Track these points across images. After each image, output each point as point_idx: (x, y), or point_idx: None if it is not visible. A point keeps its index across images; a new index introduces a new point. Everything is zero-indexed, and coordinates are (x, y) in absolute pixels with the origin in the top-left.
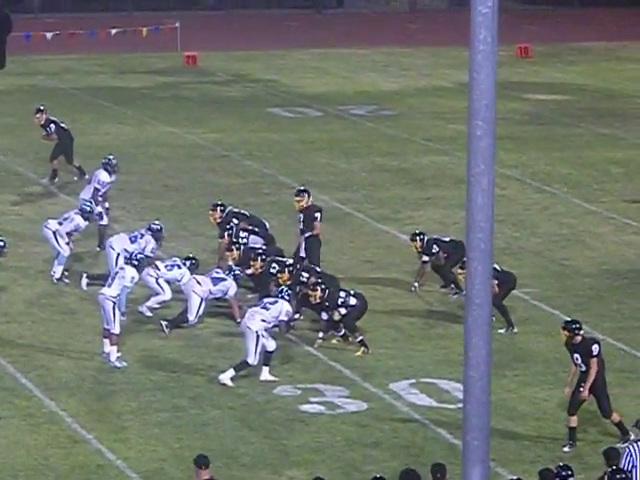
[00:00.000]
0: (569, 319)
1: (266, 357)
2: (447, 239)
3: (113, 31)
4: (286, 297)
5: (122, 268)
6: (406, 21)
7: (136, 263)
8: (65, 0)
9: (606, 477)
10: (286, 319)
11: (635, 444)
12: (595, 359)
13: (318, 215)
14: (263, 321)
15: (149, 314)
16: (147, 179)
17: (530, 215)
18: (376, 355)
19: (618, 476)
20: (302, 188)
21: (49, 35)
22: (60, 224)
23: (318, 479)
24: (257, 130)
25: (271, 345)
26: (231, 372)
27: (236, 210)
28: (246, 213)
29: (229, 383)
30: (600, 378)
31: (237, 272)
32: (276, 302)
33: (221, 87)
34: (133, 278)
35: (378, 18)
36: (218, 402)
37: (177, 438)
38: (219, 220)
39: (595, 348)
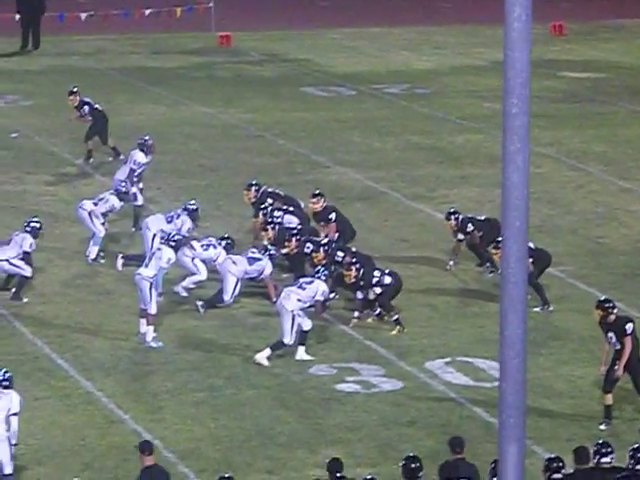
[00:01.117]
0: (602, 298)
1: (302, 336)
2: (482, 218)
3: (147, 11)
4: (322, 277)
5: (159, 249)
6: None
7: (173, 244)
8: None
9: (628, 455)
10: (322, 299)
11: None
12: (629, 337)
13: (333, 216)
14: (299, 301)
15: (185, 294)
16: (181, 159)
17: (565, 193)
18: (411, 334)
19: None
20: (317, 192)
21: (83, 16)
22: (95, 205)
23: (334, 460)
24: (290, 109)
25: (307, 324)
26: (267, 352)
27: (270, 190)
28: (280, 193)
29: (265, 363)
30: (634, 356)
31: (272, 252)
32: (312, 282)
33: (255, 67)
34: (170, 259)
35: None
36: (254, 382)
37: (213, 418)
38: (253, 200)
39: (629, 327)
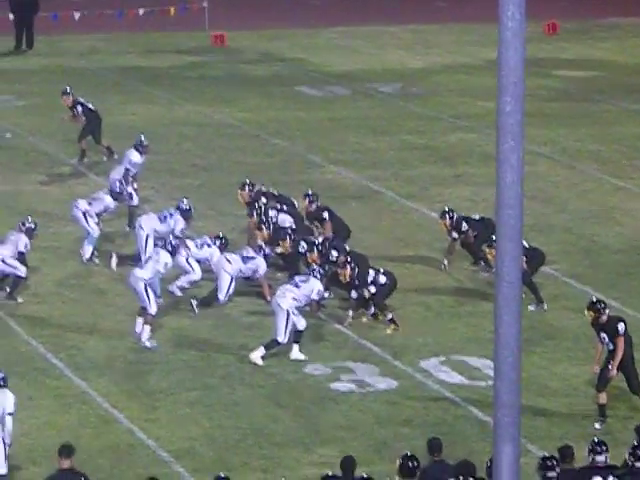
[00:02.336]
0: (594, 299)
1: (296, 335)
2: (477, 217)
3: (141, 11)
4: (318, 276)
5: (157, 252)
6: None
7: (170, 249)
8: None
9: (627, 452)
10: (317, 298)
11: None
12: (622, 337)
13: (326, 214)
14: (294, 299)
15: (179, 294)
16: (175, 158)
17: (559, 191)
18: (406, 333)
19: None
20: (309, 193)
21: (76, 15)
22: (90, 204)
23: (349, 456)
24: (285, 109)
25: (301, 324)
26: (261, 351)
27: (265, 189)
28: (274, 192)
29: (259, 362)
30: (627, 355)
31: (267, 251)
32: (308, 280)
33: (249, 66)
34: (167, 264)
35: None
36: (249, 381)
37: (208, 417)
38: (248, 199)
39: (621, 327)
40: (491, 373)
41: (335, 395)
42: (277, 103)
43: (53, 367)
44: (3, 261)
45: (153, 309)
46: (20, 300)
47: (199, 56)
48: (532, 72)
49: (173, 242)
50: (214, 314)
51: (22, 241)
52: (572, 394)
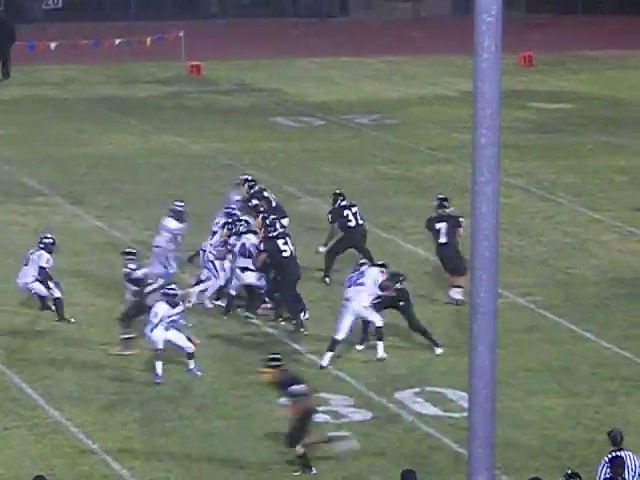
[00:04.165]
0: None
1: (379, 332)
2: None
3: (117, 41)
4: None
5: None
6: (410, 29)
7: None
8: (69, 9)
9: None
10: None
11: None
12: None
13: (265, 194)
14: (370, 295)
15: (210, 305)
16: (151, 188)
17: (535, 223)
18: (381, 364)
19: None
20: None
21: (53, 45)
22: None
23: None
24: (261, 139)
25: (378, 320)
26: (328, 356)
27: (265, 193)
28: (271, 199)
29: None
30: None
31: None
32: (363, 272)
33: (225, 96)
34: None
35: (382, 26)
36: (223, 412)
37: (182, 448)
38: (247, 196)
39: None
40: (465, 404)
41: (310, 426)
42: (253, 134)
43: (28, 397)
44: (37, 281)
45: (190, 347)
46: (73, 320)
47: (175, 86)
48: (508, 104)
49: (172, 292)
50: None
51: (43, 257)
52: (547, 426)
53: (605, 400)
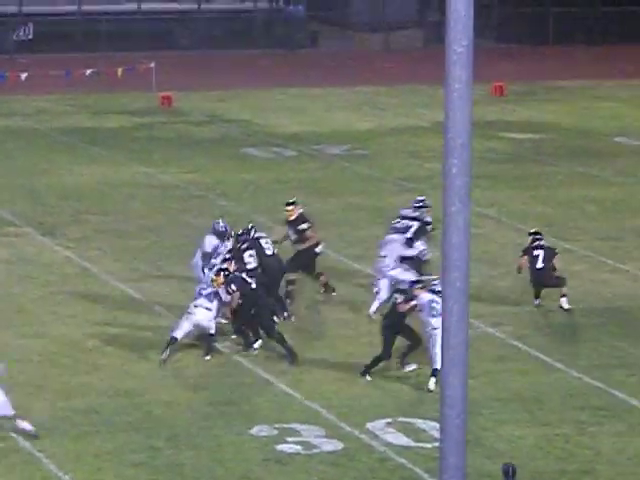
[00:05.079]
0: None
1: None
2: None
3: (88, 71)
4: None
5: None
6: (380, 60)
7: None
8: (39, 41)
9: None
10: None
11: None
12: None
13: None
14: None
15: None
16: (122, 219)
17: (506, 253)
18: (352, 395)
19: None
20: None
21: (23, 76)
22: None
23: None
24: (232, 170)
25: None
26: (433, 381)
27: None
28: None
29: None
30: None
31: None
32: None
33: (196, 127)
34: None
35: (352, 57)
36: (194, 442)
37: (153, 479)
38: (293, 217)
39: None
40: (437, 435)
41: (281, 456)
42: (224, 164)
43: None
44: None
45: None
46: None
47: (146, 117)
48: (479, 134)
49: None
50: (159, 375)
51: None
52: (518, 456)
53: (575, 430)
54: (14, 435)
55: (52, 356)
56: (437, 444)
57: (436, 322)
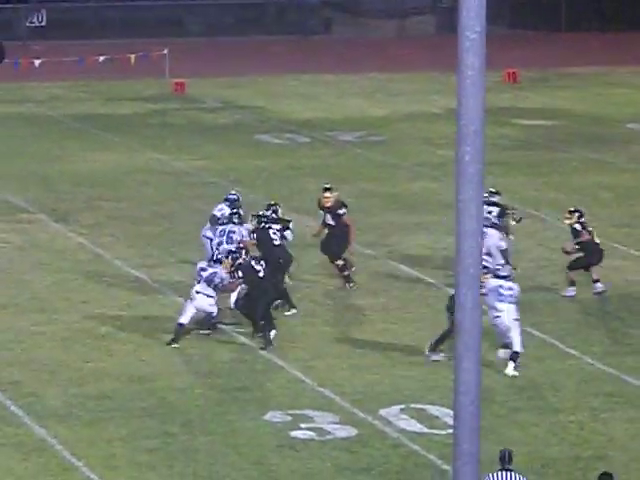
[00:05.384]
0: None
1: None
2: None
3: (101, 58)
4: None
5: None
6: (394, 47)
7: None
8: (52, 27)
9: None
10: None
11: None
12: None
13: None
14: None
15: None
16: (135, 206)
17: (519, 240)
18: (365, 381)
19: None
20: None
21: (37, 62)
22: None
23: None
24: (245, 157)
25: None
26: (512, 366)
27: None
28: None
29: (515, 373)
30: None
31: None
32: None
33: (209, 114)
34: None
35: (366, 44)
36: (208, 428)
37: (167, 465)
38: (329, 204)
39: None
40: (450, 421)
41: (295, 443)
42: (237, 151)
43: (12, 415)
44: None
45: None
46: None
47: (159, 103)
48: (492, 121)
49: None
50: (173, 361)
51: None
52: (531, 443)
53: (589, 417)
54: (28, 422)
55: (65, 342)
56: (451, 431)
57: (503, 307)
